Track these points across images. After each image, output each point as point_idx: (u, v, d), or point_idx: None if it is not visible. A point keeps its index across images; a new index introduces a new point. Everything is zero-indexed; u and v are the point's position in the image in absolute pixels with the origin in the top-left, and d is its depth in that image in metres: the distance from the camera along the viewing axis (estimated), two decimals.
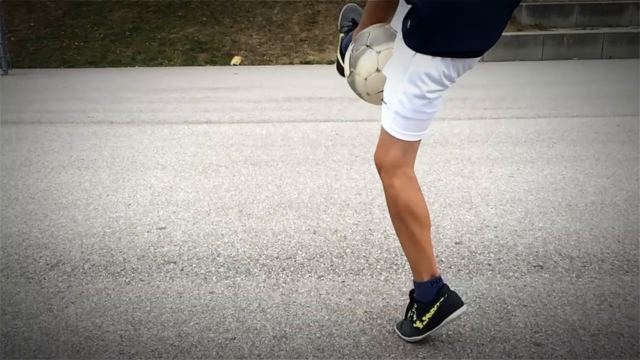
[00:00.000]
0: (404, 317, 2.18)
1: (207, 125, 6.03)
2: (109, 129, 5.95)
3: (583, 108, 6.33)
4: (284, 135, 5.50)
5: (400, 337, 2.15)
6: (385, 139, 1.98)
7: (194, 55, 12.47)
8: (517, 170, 4.16)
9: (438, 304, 2.01)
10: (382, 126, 1.99)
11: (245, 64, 12.13)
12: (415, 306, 2.08)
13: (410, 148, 1.99)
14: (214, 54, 12.47)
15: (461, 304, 2.02)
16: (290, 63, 12.11)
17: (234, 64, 12.03)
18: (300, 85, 8.88)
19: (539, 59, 11.31)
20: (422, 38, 1.81)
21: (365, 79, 2.04)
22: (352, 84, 2.12)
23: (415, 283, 2.08)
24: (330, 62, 12.00)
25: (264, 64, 12.14)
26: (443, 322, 2.02)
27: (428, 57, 1.82)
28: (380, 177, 2.04)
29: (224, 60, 12.26)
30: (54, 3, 14.50)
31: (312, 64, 12.01)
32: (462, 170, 4.21)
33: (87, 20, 13.79)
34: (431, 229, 2.09)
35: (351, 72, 2.09)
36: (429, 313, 2.03)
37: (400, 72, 1.88)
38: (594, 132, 5.31)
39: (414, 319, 2.08)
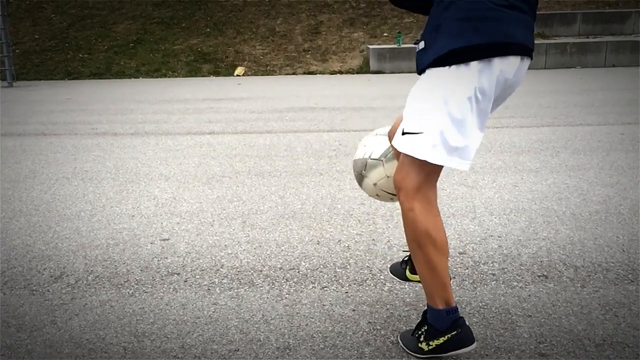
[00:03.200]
0: (411, 330, 2.16)
1: (210, 136, 6.05)
2: (113, 141, 5.97)
3: (586, 117, 6.32)
4: (287, 145, 5.51)
5: (401, 346, 2.14)
6: (406, 160, 1.89)
7: (197, 66, 12.53)
8: (520, 180, 4.15)
9: (450, 335, 1.97)
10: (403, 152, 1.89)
11: (248, 75, 12.18)
12: (426, 328, 2.03)
13: (433, 170, 1.90)
14: (218, 65, 12.53)
15: (472, 341, 1.98)
16: (294, 73, 12.15)
17: (238, 75, 12.08)
18: (304, 96, 8.91)
19: (542, 67, 11.32)
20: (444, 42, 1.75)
21: (375, 184, 2.30)
22: (360, 183, 2.40)
23: (428, 307, 2.01)
24: (333, 72, 12.04)
25: (267, 75, 12.19)
26: (449, 354, 1.99)
27: (453, 71, 1.75)
28: (399, 199, 1.94)
29: (228, 71, 12.32)
30: (58, 15, 14.60)
31: (315, 74, 12.05)
32: (465, 179, 4.21)
33: (91, 33, 13.89)
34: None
35: (361, 174, 2.35)
36: (438, 340, 1.99)
37: (431, 96, 1.80)
38: (597, 140, 5.31)
39: (421, 340, 2.04)
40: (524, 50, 1.79)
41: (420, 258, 1.93)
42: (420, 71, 1.86)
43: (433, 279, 1.94)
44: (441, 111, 1.77)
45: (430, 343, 2.01)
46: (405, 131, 1.85)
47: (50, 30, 14.09)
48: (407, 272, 2.45)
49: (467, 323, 2.04)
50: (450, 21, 1.75)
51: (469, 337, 1.99)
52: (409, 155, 1.85)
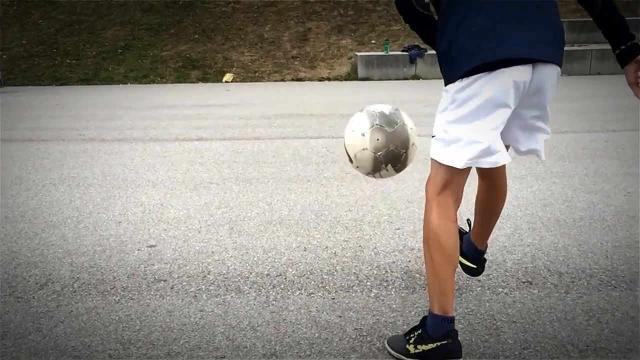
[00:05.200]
0: (399, 335, 2.18)
1: (198, 143, 6.04)
2: (101, 147, 5.95)
3: (572, 124, 6.39)
4: (275, 152, 5.52)
5: (386, 347, 2.16)
6: (433, 164, 2.05)
7: (186, 72, 12.52)
8: None
9: (439, 343, 2.00)
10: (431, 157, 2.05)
11: (237, 81, 12.18)
12: (420, 332, 2.06)
13: (453, 174, 2.00)
14: (206, 71, 12.52)
15: (460, 355, 2.01)
16: (282, 80, 12.17)
17: (226, 81, 12.08)
18: (292, 102, 8.93)
19: None
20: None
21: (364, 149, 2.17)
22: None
23: (429, 311, 2.06)
24: (321, 79, 12.07)
25: (255, 81, 12.20)
26: None
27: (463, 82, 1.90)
28: (425, 198, 2.09)
29: (216, 77, 12.32)
30: (46, 21, 14.54)
31: (304, 80, 12.08)
32: None
33: (79, 38, 13.84)
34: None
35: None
36: (427, 346, 2.02)
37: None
38: (582, 147, 5.36)
39: (411, 342, 2.07)
40: (523, 60, 1.86)
41: (428, 260, 2.03)
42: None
43: (434, 283, 2.01)
44: (442, 115, 1.97)
45: (418, 347, 2.04)
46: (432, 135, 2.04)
47: (38, 36, 14.02)
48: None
49: (457, 325, 2.06)
50: (444, 51, 1.95)
51: (457, 351, 2.01)
52: (433, 159, 2.03)
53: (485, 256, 2.97)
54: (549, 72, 1.92)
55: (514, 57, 1.85)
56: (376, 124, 2.15)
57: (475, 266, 2.48)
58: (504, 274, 2.78)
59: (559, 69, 1.96)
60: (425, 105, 7.29)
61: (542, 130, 2.11)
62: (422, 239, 2.10)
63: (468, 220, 2.56)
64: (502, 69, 1.84)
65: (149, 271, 2.92)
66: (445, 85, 1.98)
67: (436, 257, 1.99)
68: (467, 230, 2.54)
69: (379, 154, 2.15)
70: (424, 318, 2.10)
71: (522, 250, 3.07)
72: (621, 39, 1.96)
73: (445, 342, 1.99)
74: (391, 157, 2.17)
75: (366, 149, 2.16)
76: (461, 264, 2.49)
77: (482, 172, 2.26)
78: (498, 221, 3.45)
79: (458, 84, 1.91)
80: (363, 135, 2.16)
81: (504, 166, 2.20)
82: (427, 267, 2.05)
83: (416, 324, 2.15)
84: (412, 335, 2.09)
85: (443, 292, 2.00)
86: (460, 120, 1.92)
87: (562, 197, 3.93)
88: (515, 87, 1.88)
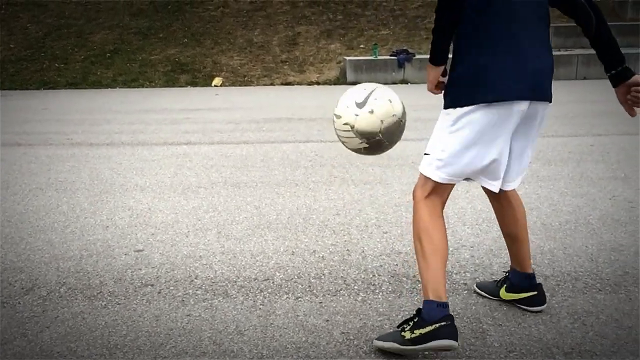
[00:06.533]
0: (388, 333, 2.22)
1: (187, 147, 6.04)
2: (89, 151, 5.93)
3: (558, 128, 6.44)
4: (264, 156, 5.53)
5: (376, 344, 2.18)
6: (421, 176, 2.24)
7: (175, 76, 12.50)
8: None
9: (437, 325, 2.04)
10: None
11: (226, 85, 12.17)
12: (416, 320, 2.11)
13: (438, 186, 2.19)
14: (195, 75, 12.51)
15: (456, 338, 2.04)
16: (271, 84, 12.18)
17: (215, 85, 12.07)
18: (281, 106, 8.93)
19: None
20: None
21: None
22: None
23: (423, 301, 2.12)
24: (310, 83, 12.09)
25: (244, 85, 12.19)
26: (430, 344, 2.04)
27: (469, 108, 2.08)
28: (413, 201, 2.26)
29: (205, 81, 12.30)
30: (34, 25, 14.47)
31: (293, 85, 12.09)
32: None
33: (67, 42, 13.77)
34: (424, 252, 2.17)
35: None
36: (424, 329, 2.06)
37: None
38: (568, 151, 5.41)
39: (405, 329, 2.11)
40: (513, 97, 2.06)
41: (419, 251, 2.17)
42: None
43: (427, 273, 2.13)
44: (438, 139, 2.16)
45: (415, 332, 2.08)
46: (425, 152, 2.23)
47: (26, 40, 13.94)
48: (502, 291, 2.54)
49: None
50: (453, 82, 2.13)
51: (453, 334, 2.05)
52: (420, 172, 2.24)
53: (473, 259, 3.00)
54: (541, 107, 2.16)
55: (519, 98, 2.06)
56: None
57: (535, 292, 2.46)
58: (490, 278, 2.80)
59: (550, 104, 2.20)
60: (414, 110, 7.31)
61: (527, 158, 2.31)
62: (412, 236, 2.23)
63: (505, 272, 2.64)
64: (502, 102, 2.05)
65: (136, 276, 2.92)
66: (445, 108, 2.14)
67: (427, 248, 2.13)
68: (507, 272, 2.58)
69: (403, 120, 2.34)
70: (418, 310, 2.14)
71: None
72: (614, 64, 2.19)
73: (443, 323, 2.04)
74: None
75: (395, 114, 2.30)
76: (522, 300, 2.48)
77: (490, 193, 2.39)
78: (485, 225, 3.50)
79: (460, 110, 2.08)
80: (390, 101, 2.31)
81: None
82: (418, 260, 2.17)
83: (409, 317, 2.19)
84: (405, 325, 2.14)
85: (435, 279, 2.10)
86: (459, 143, 2.10)
87: (548, 201, 3.96)
88: (516, 115, 2.09)
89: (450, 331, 2.04)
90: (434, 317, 2.05)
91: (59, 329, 2.41)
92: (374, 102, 2.25)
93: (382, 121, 2.24)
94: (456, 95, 2.11)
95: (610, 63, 2.20)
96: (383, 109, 2.25)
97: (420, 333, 2.06)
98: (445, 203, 2.25)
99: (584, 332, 2.31)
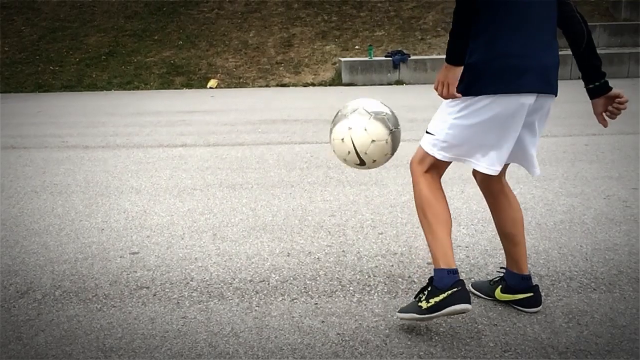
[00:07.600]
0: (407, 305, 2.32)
1: (182, 149, 6.03)
2: (84, 154, 5.92)
3: (552, 128, 6.45)
4: (260, 157, 5.53)
5: (399, 316, 2.30)
6: (421, 150, 2.32)
7: (170, 78, 12.49)
8: None
9: (450, 292, 2.15)
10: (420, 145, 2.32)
11: (221, 87, 12.17)
12: (429, 289, 2.21)
13: (436, 163, 2.29)
14: (190, 77, 12.50)
15: (469, 302, 2.17)
16: (267, 86, 12.18)
17: (210, 87, 12.07)
18: (276, 108, 8.94)
19: None
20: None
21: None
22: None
23: (434, 270, 2.24)
24: (306, 85, 12.09)
25: (240, 87, 12.19)
26: (446, 310, 2.15)
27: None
28: (411, 176, 2.35)
29: (200, 83, 12.29)
30: (29, 28, 14.44)
31: (288, 86, 12.09)
32: None
33: (62, 45, 13.75)
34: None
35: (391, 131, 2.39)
36: (438, 297, 2.16)
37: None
38: (562, 151, 5.43)
39: (422, 299, 2.22)
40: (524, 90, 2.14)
41: (424, 223, 2.29)
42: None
43: (434, 243, 2.24)
44: (444, 121, 2.22)
45: (430, 300, 2.18)
46: (426, 130, 2.31)
47: (21, 43, 13.91)
48: (498, 291, 2.55)
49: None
50: (470, 68, 2.13)
51: (466, 297, 2.17)
52: (421, 147, 2.31)
53: (468, 260, 3.01)
54: (547, 101, 2.27)
55: (529, 91, 2.14)
56: (391, 129, 2.38)
57: (531, 294, 2.47)
58: (485, 278, 2.81)
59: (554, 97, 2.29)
60: (409, 111, 7.33)
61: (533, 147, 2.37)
62: (415, 207, 2.34)
63: (501, 267, 2.66)
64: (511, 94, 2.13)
65: (131, 278, 2.91)
66: (460, 93, 2.16)
67: (431, 219, 2.25)
68: (503, 267, 2.60)
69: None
70: (430, 278, 2.25)
71: (503, 253, 3.08)
72: (595, 77, 2.29)
73: (456, 289, 2.15)
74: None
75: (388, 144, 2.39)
76: (518, 301, 2.49)
77: (483, 188, 2.49)
78: (480, 225, 3.50)
79: (469, 98, 2.14)
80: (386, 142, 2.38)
81: (502, 184, 2.46)
82: (425, 231, 2.29)
83: (423, 285, 2.32)
84: (421, 295, 2.26)
85: (443, 248, 2.22)
86: (466, 130, 2.17)
87: (542, 201, 3.97)
88: (523, 108, 2.16)
89: (463, 295, 2.16)
90: (446, 284, 2.17)
91: (54, 332, 2.41)
92: (348, 132, 2.35)
93: (365, 153, 2.36)
94: (468, 83, 2.14)
95: (591, 76, 2.29)
96: (360, 140, 2.34)
97: (435, 301, 2.17)
98: (442, 174, 2.35)
99: (579, 332, 2.32)
